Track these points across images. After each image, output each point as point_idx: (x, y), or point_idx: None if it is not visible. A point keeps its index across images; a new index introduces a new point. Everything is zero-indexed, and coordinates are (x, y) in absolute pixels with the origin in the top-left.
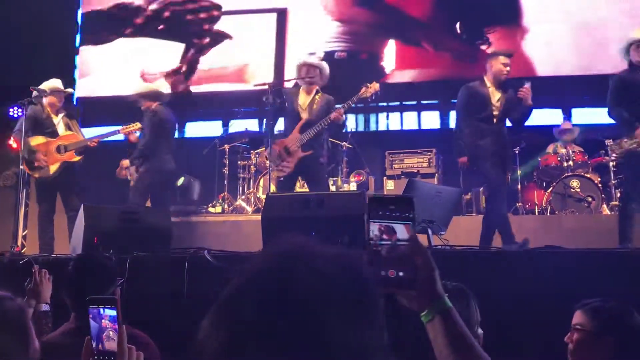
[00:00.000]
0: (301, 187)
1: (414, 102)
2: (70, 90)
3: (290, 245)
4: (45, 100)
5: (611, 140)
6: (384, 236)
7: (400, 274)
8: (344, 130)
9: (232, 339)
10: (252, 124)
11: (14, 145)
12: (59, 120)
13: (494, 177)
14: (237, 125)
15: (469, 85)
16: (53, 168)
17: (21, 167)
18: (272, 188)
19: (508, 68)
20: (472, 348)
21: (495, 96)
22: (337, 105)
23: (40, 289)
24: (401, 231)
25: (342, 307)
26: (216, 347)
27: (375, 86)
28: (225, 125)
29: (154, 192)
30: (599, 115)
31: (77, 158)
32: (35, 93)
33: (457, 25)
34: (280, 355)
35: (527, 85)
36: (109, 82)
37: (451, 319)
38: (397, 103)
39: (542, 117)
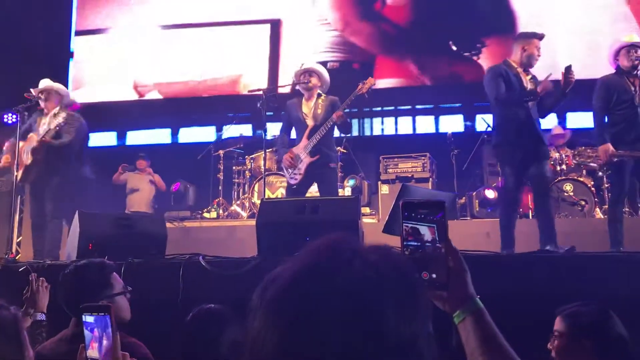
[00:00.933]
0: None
1: (409, 107)
2: (61, 87)
3: (336, 241)
4: (42, 103)
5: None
6: (412, 239)
7: (433, 275)
8: (351, 128)
9: (291, 336)
10: (246, 129)
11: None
12: (45, 122)
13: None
14: (232, 131)
15: (495, 68)
16: (20, 173)
17: (15, 173)
18: (267, 193)
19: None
20: (503, 349)
21: (526, 80)
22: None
23: (37, 298)
24: (433, 233)
25: (395, 300)
26: (273, 347)
27: (370, 81)
28: (219, 130)
29: None
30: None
31: (29, 160)
32: (33, 95)
33: (450, 42)
34: (338, 346)
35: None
36: (101, 89)
37: (483, 319)
38: (392, 108)
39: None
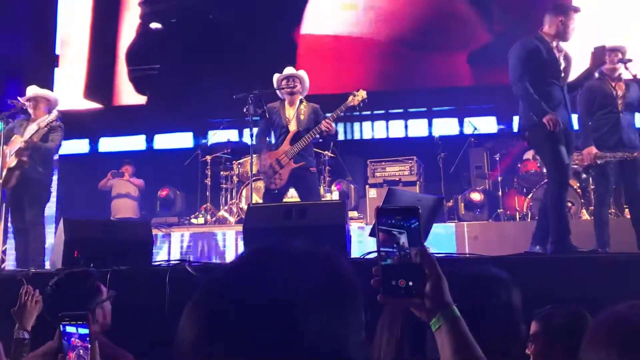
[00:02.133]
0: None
1: (400, 110)
2: (49, 93)
3: (268, 243)
4: (30, 110)
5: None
6: (388, 245)
7: (410, 283)
8: (336, 140)
9: (205, 333)
10: (232, 135)
11: None
12: (32, 128)
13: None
14: (219, 136)
15: (526, 41)
16: (2, 176)
17: (1, 180)
18: (255, 198)
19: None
20: (477, 357)
21: (559, 55)
22: (327, 114)
23: (24, 314)
24: (407, 241)
25: (319, 301)
26: (191, 342)
27: (362, 94)
28: (198, 136)
29: None
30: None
31: (13, 163)
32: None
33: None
34: (253, 349)
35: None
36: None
37: (459, 328)
38: (382, 112)
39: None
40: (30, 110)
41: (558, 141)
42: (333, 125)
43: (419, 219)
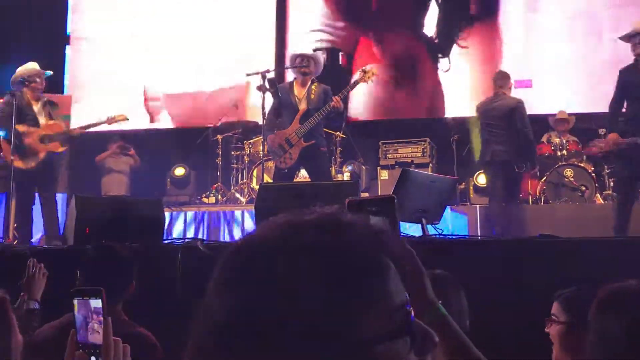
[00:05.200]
0: (297, 178)
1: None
2: (47, 71)
3: (296, 217)
4: (25, 88)
5: (604, 130)
6: None
7: None
8: (344, 118)
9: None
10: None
11: None
12: (39, 109)
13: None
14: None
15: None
16: (34, 160)
17: (11, 156)
18: (266, 178)
19: None
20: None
21: None
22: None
23: (32, 285)
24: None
25: (323, 289)
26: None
27: (373, 70)
28: None
29: None
30: (594, 104)
31: (62, 148)
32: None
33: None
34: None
35: None
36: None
37: (448, 328)
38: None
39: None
40: (33, 88)
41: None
42: (341, 103)
43: (395, 209)
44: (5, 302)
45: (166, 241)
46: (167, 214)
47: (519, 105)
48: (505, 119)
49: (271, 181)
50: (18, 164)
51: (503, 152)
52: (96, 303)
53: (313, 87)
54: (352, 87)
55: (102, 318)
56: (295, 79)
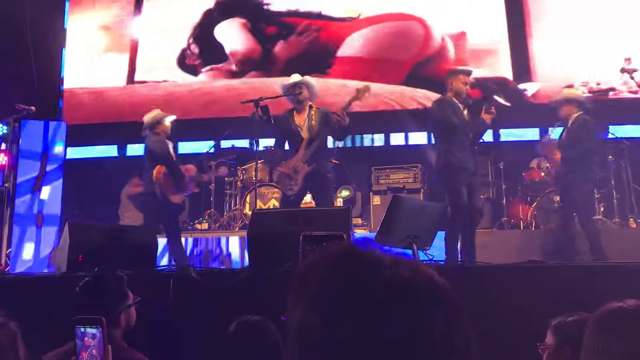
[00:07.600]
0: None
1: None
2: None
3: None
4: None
5: None
6: None
7: None
8: (348, 131)
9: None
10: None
11: None
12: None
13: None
14: (224, 142)
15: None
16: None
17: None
18: (259, 204)
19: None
20: None
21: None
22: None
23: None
24: None
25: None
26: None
27: (366, 89)
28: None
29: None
30: None
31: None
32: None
33: None
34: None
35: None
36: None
37: None
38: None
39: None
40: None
41: None
42: (346, 117)
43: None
44: (17, 335)
45: (159, 268)
46: (161, 240)
47: None
48: None
49: (264, 207)
50: None
51: None
52: (97, 331)
53: (312, 112)
54: (350, 104)
55: (102, 346)
56: (294, 108)
